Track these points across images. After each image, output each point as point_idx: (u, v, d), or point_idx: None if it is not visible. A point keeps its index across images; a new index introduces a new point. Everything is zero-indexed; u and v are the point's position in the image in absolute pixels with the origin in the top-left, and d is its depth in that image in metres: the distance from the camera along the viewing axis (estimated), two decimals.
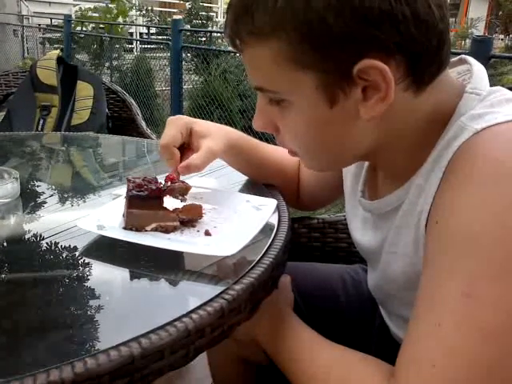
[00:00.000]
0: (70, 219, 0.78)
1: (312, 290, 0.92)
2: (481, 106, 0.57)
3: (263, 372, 0.86)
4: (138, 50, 7.02)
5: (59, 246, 0.71)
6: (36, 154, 1.29)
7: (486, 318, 0.48)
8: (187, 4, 6.12)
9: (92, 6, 7.48)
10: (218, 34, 5.24)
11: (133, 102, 2.11)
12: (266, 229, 0.74)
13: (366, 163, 0.76)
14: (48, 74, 2.03)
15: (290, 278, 0.82)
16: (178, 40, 3.97)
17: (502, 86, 0.63)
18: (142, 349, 0.47)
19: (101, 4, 7.60)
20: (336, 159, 0.67)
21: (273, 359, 0.69)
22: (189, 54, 4.99)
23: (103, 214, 0.75)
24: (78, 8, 7.83)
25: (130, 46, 7.02)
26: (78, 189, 1.04)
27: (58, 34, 7.17)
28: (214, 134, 0.83)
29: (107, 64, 6.03)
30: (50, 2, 10.13)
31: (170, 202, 0.74)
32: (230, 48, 3.90)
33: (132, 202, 0.71)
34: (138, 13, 7.27)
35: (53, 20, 8.05)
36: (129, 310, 0.59)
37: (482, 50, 2.20)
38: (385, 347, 0.71)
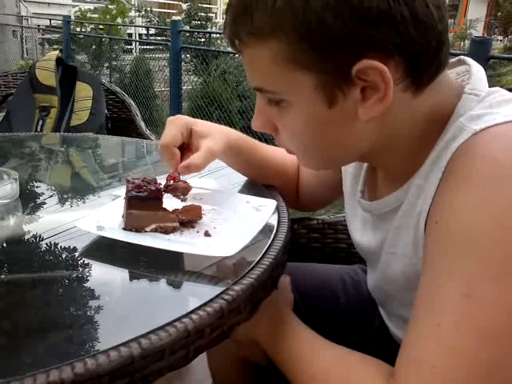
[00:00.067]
0: (69, 220, 0.78)
1: (312, 290, 0.92)
2: (480, 106, 0.57)
3: (263, 372, 0.86)
4: (138, 50, 7.02)
5: (59, 246, 0.71)
6: (35, 155, 1.29)
7: (486, 318, 0.48)
8: (184, 5, 6.11)
9: (92, 7, 7.48)
10: (218, 35, 5.24)
11: (132, 102, 2.11)
12: (266, 229, 0.74)
13: (366, 163, 0.77)
14: (47, 74, 2.03)
15: (290, 278, 0.82)
16: (177, 41, 3.97)
17: (501, 86, 0.63)
18: (142, 349, 0.47)
19: (100, 5, 7.60)
20: (334, 159, 0.67)
21: (272, 359, 0.69)
22: (188, 55, 4.99)
23: (103, 215, 0.75)
24: (77, 9, 7.82)
25: (129, 46, 7.02)
26: (77, 190, 1.04)
27: (57, 35, 7.17)
28: (214, 133, 0.83)
29: (106, 65, 6.03)
30: (49, 3, 10.12)
31: (169, 203, 0.74)
32: (229, 49, 3.90)
33: (131, 202, 0.71)
34: (137, 14, 7.27)
35: (52, 21, 8.05)
36: (128, 311, 0.59)
37: (480, 50, 2.21)
38: (384, 347, 0.71)
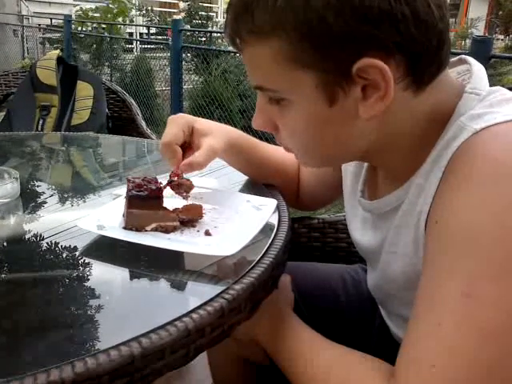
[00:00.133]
0: (70, 219, 0.78)
1: (312, 289, 0.92)
2: (480, 106, 0.57)
3: (263, 372, 0.86)
4: (138, 50, 7.02)
5: (59, 245, 0.71)
6: (36, 154, 1.29)
7: (486, 317, 0.48)
8: (184, 4, 6.11)
9: (93, 7, 7.48)
10: (218, 34, 5.24)
11: (133, 101, 2.11)
12: (266, 229, 0.74)
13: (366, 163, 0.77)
14: (48, 74, 2.03)
15: (290, 277, 0.82)
16: (177, 40, 3.97)
17: (502, 86, 0.63)
18: (143, 348, 0.47)
19: (101, 4, 7.60)
20: (334, 157, 0.67)
21: (273, 359, 0.69)
22: (189, 54, 4.99)
23: (103, 214, 0.75)
24: (78, 8, 7.82)
25: (130, 45, 7.02)
26: (78, 189, 1.04)
27: (58, 34, 7.17)
28: (215, 132, 0.83)
29: (107, 64, 6.03)
30: (49, 2, 10.13)
31: (169, 202, 0.74)
32: (230, 48, 3.91)
33: (132, 201, 0.71)
34: (138, 13, 7.27)
35: (53, 20, 8.05)
36: (129, 310, 0.59)
37: (481, 50, 2.20)
38: (385, 347, 0.71)
